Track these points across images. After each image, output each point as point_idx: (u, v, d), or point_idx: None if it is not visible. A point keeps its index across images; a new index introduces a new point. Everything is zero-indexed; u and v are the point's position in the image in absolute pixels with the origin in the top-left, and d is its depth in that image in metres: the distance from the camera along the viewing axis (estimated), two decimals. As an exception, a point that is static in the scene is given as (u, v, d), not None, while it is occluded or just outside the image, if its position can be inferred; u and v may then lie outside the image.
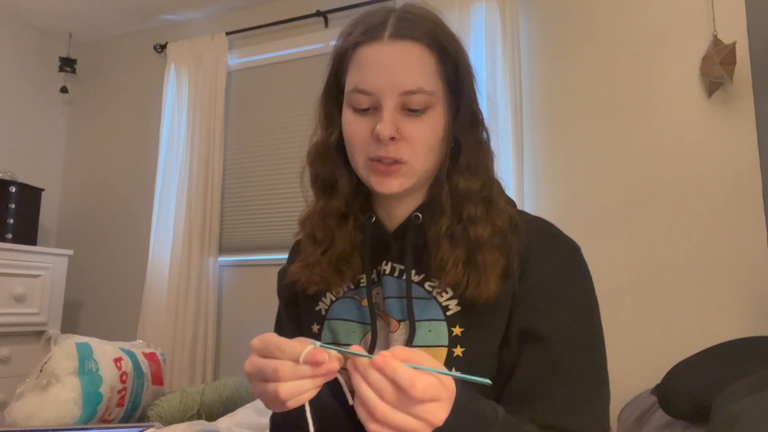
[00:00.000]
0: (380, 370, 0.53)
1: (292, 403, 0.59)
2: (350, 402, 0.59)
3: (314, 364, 0.57)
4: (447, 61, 0.74)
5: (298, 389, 0.58)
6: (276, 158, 2.78)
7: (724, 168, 2.01)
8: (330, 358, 0.58)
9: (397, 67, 0.70)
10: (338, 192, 0.80)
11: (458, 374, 0.57)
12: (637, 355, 1.99)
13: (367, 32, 0.73)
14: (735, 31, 2.03)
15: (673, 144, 2.09)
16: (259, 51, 2.89)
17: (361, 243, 0.81)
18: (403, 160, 0.72)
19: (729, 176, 2.00)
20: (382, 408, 0.53)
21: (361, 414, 0.55)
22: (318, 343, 0.59)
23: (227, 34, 2.90)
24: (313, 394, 0.59)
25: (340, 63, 0.77)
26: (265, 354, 0.60)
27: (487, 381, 0.53)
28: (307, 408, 0.60)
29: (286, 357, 0.58)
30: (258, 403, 1.75)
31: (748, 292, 1.92)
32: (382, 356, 0.54)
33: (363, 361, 0.55)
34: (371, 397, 0.53)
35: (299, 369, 0.58)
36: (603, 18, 2.25)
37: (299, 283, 0.82)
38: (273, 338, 0.60)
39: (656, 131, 2.12)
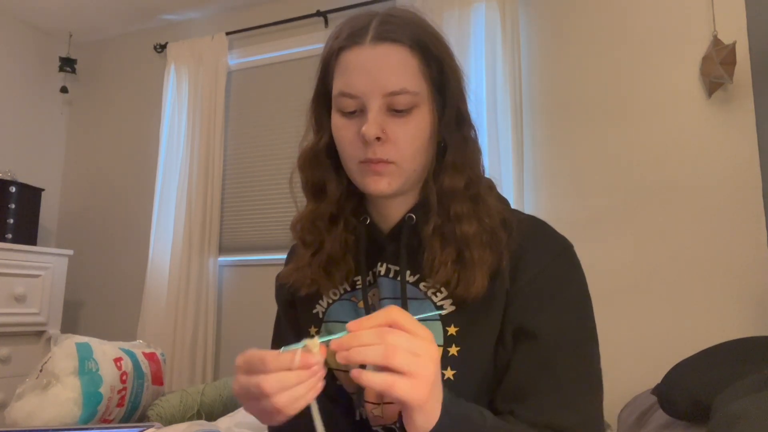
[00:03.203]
0: (376, 317, 0.57)
1: (293, 409, 0.57)
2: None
3: (306, 367, 0.57)
4: (431, 61, 0.74)
5: (294, 397, 0.56)
6: (276, 158, 2.78)
7: (724, 168, 2.01)
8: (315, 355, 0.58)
9: (379, 70, 0.71)
10: (328, 195, 0.81)
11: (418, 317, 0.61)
12: (637, 355, 1.99)
13: (350, 37, 0.74)
14: (735, 31, 2.03)
15: (673, 144, 2.09)
16: (259, 51, 2.89)
17: (355, 245, 0.81)
18: (390, 160, 0.72)
19: (729, 176, 2.00)
20: (400, 351, 0.54)
21: (369, 379, 0.55)
22: (317, 338, 0.58)
23: (227, 34, 2.90)
24: (312, 396, 0.58)
25: (327, 68, 0.78)
26: (250, 371, 0.58)
27: (440, 311, 0.65)
28: (314, 407, 0.58)
29: (271, 369, 0.56)
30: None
31: (748, 292, 1.92)
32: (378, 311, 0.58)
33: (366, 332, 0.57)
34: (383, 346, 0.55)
35: (284, 378, 0.56)
36: (603, 18, 2.25)
37: (290, 284, 0.83)
38: (254, 353, 0.59)
39: (656, 131, 2.11)
